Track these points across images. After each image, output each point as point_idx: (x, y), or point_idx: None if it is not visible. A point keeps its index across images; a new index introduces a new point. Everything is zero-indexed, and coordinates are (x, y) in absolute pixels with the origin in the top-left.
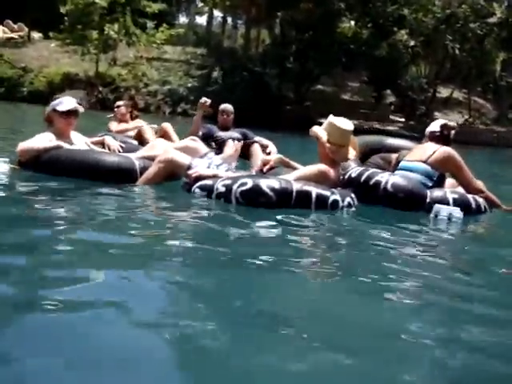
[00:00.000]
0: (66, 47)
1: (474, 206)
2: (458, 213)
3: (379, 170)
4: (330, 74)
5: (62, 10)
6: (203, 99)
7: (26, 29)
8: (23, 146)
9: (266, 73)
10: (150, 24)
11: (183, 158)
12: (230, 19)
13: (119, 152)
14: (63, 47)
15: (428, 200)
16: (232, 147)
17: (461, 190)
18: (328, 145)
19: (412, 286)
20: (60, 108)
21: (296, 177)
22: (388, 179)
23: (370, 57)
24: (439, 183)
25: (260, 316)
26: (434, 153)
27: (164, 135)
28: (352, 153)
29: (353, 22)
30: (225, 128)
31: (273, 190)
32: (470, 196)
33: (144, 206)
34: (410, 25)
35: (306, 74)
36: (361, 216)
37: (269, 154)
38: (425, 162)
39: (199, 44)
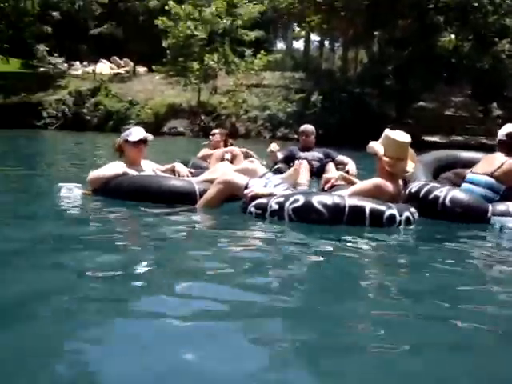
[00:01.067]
0: (169, 79)
1: None
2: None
3: (439, 185)
4: (432, 90)
5: (164, 43)
6: (271, 147)
7: (132, 64)
8: (93, 174)
9: (365, 93)
10: (248, 52)
11: (241, 179)
12: (327, 42)
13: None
14: (166, 79)
15: (489, 214)
16: (297, 166)
17: None
18: (386, 159)
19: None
20: (131, 138)
21: (351, 192)
22: (447, 194)
23: (473, 69)
24: (507, 197)
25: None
26: (501, 165)
27: (234, 159)
28: (411, 165)
29: (453, 36)
30: (306, 148)
31: (325, 206)
32: None
33: (199, 227)
34: None
35: (406, 91)
36: (421, 232)
37: (347, 172)
38: (491, 174)
39: (297, 68)
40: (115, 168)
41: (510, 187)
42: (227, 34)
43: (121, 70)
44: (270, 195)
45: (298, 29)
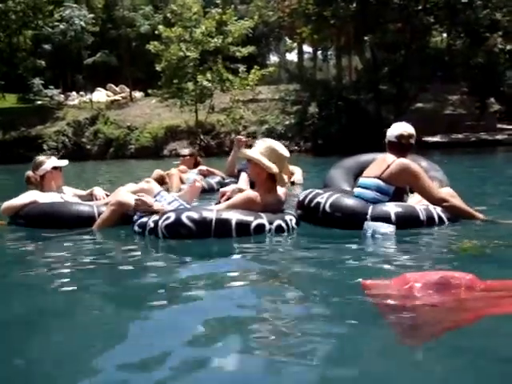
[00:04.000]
0: (165, 102)
1: (423, 218)
2: (384, 228)
3: (322, 191)
4: (428, 91)
5: (158, 67)
6: (238, 136)
7: (128, 89)
8: (5, 204)
9: (361, 99)
10: (241, 68)
11: (129, 198)
12: (319, 52)
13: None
14: (163, 102)
15: (368, 217)
16: (192, 183)
17: (423, 202)
18: (275, 171)
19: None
20: (48, 166)
21: (227, 205)
22: (327, 199)
23: (467, 66)
24: (398, 198)
25: None
26: (388, 167)
27: (159, 179)
28: (286, 178)
29: (444, 34)
30: None
31: (193, 221)
32: (420, 208)
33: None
34: (503, 28)
35: (402, 93)
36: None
37: (292, 182)
38: (379, 177)
39: (292, 80)
40: (25, 197)
41: (399, 188)
42: (219, 52)
43: (117, 97)
44: (156, 212)
45: (289, 41)
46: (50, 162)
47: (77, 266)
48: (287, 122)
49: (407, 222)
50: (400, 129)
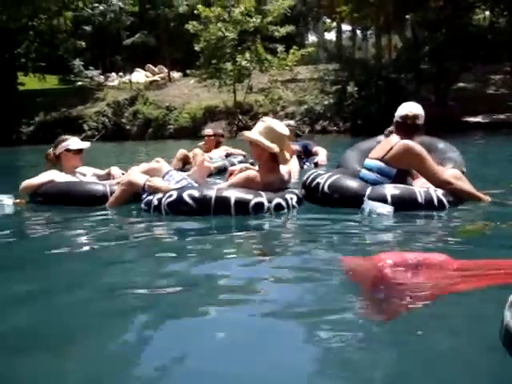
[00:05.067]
0: (203, 82)
1: (421, 200)
2: (381, 208)
3: (323, 172)
4: (470, 70)
5: (197, 47)
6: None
7: (166, 70)
8: (24, 183)
9: (401, 78)
10: (280, 48)
11: (139, 178)
12: (358, 31)
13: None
14: (201, 82)
15: (365, 198)
16: (200, 162)
17: (426, 184)
18: (276, 150)
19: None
20: (72, 147)
21: (228, 184)
22: (326, 180)
23: (511, 45)
24: (401, 180)
25: None
26: (391, 149)
27: (184, 159)
28: (288, 155)
29: (487, 12)
30: None
31: (193, 198)
32: (419, 190)
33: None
34: None
35: (443, 73)
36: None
37: (316, 163)
38: (381, 159)
39: (331, 60)
40: (43, 177)
41: (401, 170)
42: (258, 32)
43: (156, 78)
44: (163, 190)
45: (328, 20)
46: (68, 142)
47: (88, 240)
48: (326, 102)
49: (404, 205)
50: (405, 109)
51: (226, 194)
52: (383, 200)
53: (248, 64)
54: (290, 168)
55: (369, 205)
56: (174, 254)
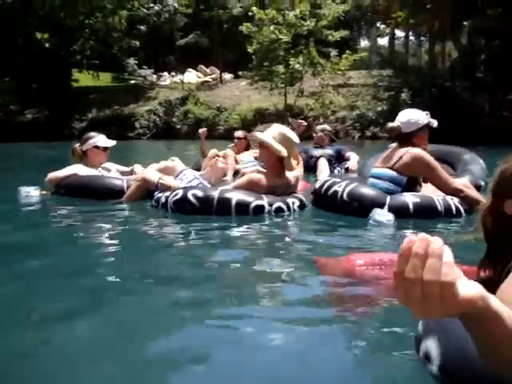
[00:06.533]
0: (255, 84)
1: (440, 208)
2: (380, 216)
3: (339, 180)
4: None
5: (250, 49)
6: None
7: (218, 71)
8: (50, 176)
9: (456, 86)
10: (333, 52)
11: (153, 176)
12: (412, 37)
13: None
14: (253, 84)
15: (386, 207)
16: (213, 162)
17: (436, 192)
18: (284, 155)
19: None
20: (100, 144)
21: (233, 186)
22: (344, 188)
23: None
24: (411, 188)
25: None
26: (401, 158)
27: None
28: (294, 162)
29: None
30: (319, 146)
31: (197, 198)
32: (437, 198)
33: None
34: None
35: (500, 82)
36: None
37: (347, 168)
38: (391, 167)
39: (384, 65)
40: (68, 170)
41: (412, 178)
42: (312, 36)
43: (208, 78)
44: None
45: (382, 26)
46: (97, 139)
47: (101, 229)
48: (379, 109)
49: (425, 213)
50: (401, 117)
51: (227, 195)
52: (405, 208)
53: (301, 67)
54: (298, 174)
55: (373, 213)
56: (168, 248)
